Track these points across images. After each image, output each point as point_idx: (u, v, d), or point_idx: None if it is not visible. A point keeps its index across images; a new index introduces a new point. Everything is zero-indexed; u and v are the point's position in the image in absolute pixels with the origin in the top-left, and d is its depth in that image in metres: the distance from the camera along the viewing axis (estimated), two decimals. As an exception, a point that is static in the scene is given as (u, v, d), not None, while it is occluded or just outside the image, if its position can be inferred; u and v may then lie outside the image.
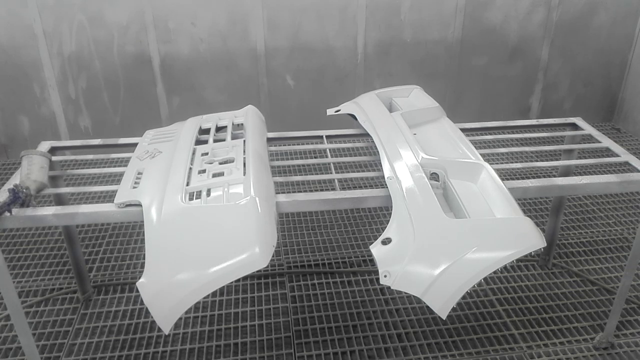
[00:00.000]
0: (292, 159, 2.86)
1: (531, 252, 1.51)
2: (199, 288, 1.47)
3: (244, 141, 2.03)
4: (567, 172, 2.49)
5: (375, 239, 1.61)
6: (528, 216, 1.60)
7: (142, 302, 2.26)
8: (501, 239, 1.55)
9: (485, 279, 1.49)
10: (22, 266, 2.83)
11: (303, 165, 3.65)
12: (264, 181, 1.79)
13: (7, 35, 3.60)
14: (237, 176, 1.79)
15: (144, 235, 1.62)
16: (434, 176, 1.87)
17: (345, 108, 2.43)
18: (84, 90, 3.86)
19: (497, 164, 1.97)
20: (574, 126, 2.42)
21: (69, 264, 2.66)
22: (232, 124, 2.21)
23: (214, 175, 1.82)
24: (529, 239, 1.53)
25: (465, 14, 3.99)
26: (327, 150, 2.26)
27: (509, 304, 2.53)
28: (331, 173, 2.04)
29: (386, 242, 1.60)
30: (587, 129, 2.35)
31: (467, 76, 4.23)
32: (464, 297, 1.50)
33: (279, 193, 1.82)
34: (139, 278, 1.50)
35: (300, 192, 2.62)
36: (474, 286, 1.47)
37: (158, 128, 2.31)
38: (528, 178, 2.02)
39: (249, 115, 2.26)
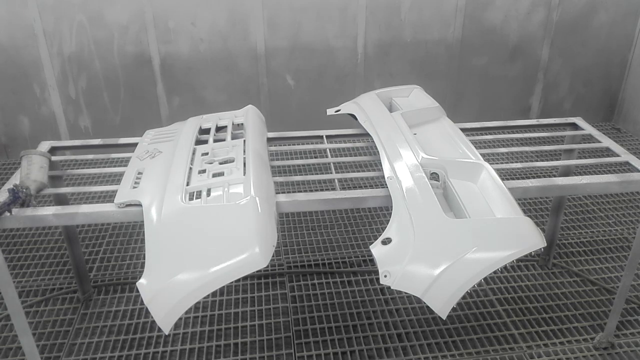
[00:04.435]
0: (292, 158, 2.86)
1: (531, 252, 1.51)
2: (199, 288, 1.47)
3: (244, 141, 2.03)
4: (567, 172, 2.49)
5: (375, 239, 1.61)
6: (528, 216, 1.60)
7: (142, 302, 2.26)
8: (501, 239, 1.55)
9: (485, 279, 1.49)
10: (22, 266, 2.83)
11: (303, 165, 3.65)
12: (264, 181, 1.79)
13: (7, 35, 3.60)
14: (237, 176, 1.79)
15: (144, 235, 1.62)
16: (434, 176, 1.87)
17: (346, 108, 2.43)
18: (84, 90, 3.86)
19: (497, 163, 1.97)
20: (574, 126, 2.42)
21: (69, 264, 2.67)
22: (232, 123, 2.21)
23: (214, 175, 1.83)
24: (529, 239, 1.53)
25: (465, 14, 3.99)
26: (327, 150, 2.26)
27: (509, 304, 2.53)
28: (331, 173, 2.04)
29: (386, 242, 1.60)
30: (587, 128, 2.35)
31: (467, 76, 4.23)
32: (464, 297, 1.49)
33: (279, 193, 1.82)
34: (139, 278, 1.50)
35: (300, 192, 2.62)
36: (474, 286, 1.47)
37: (158, 128, 2.31)
38: (528, 178, 2.02)
39: (249, 115, 2.26)
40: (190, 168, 1.87)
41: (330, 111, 2.46)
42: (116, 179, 2.83)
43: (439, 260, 1.50)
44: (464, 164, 1.87)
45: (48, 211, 1.75)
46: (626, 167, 2.10)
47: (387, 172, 1.86)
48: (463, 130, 2.19)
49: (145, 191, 1.77)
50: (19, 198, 1.73)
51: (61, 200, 2.26)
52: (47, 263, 2.85)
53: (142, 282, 1.49)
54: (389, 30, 3.97)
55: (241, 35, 3.83)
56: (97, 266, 2.83)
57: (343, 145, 2.32)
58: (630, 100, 4.40)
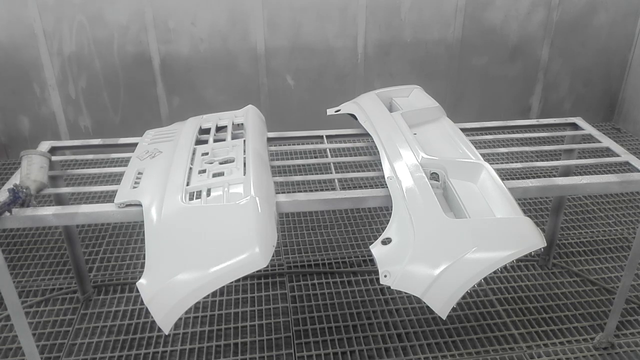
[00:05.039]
0: (292, 158, 2.86)
1: (531, 252, 1.51)
2: (199, 288, 1.47)
3: (244, 141, 2.03)
4: (567, 172, 2.49)
5: (375, 239, 1.61)
6: (528, 216, 1.60)
7: (142, 302, 2.26)
8: (501, 239, 1.55)
9: (485, 279, 1.49)
10: (22, 266, 2.83)
11: (303, 165, 3.65)
12: (264, 181, 1.79)
13: (7, 35, 3.60)
14: (237, 176, 1.79)
15: (144, 235, 1.62)
16: (434, 176, 1.87)
17: (346, 108, 2.43)
18: (84, 90, 3.86)
19: (497, 163, 1.97)
20: (574, 126, 2.42)
21: (69, 264, 2.67)
22: (232, 123, 2.21)
23: (214, 175, 1.83)
24: (529, 239, 1.53)
25: (465, 14, 3.99)
26: (327, 150, 2.26)
27: (509, 304, 2.53)
28: (331, 173, 2.04)
29: (386, 242, 1.60)
30: (587, 128, 2.35)
31: (467, 76, 4.23)
32: (464, 297, 1.49)
33: (279, 193, 1.82)
34: (139, 278, 1.50)
35: (301, 192, 2.62)
36: (474, 286, 1.47)
37: (158, 128, 2.31)
38: (528, 178, 2.02)
39: (249, 115, 2.26)
40: (190, 168, 1.87)
41: (330, 111, 2.45)
42: (116, 179, 2.83)
43: (438, 260, 1.50)
44: (464, 164, 1.87)
45: (48, 211, 1.75)
46: (626, 167, 2.10)
47: (387, 172, 1.86)
48: (463, 130, 2.19)
49: (145, 191, 1.77)
50: (19, 198, 1.73)
51: (61, 200, 2.26)
52: (47, 263, 2.85)
53: (142, 282, 1.49)
54: (389, 30, 3.97)
55: (241, 35, 3.83)
56: (97, 266, 2.83)
57: (343, 145, 2.32)
58: (630, 100, 4.40)
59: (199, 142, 2.10)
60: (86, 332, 2.40)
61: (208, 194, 1.73)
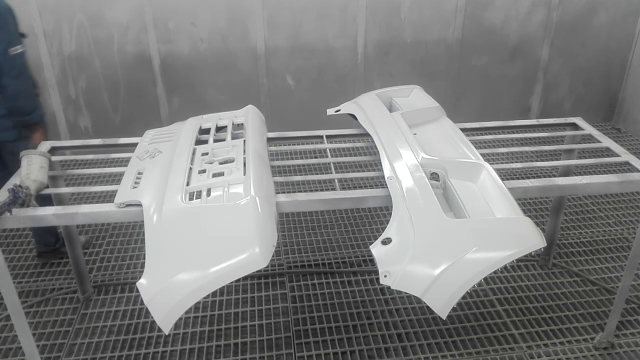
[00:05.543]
0: (292, 158, 2.86)
1: (531, 252, 1.51)
2: (199, 288, 1.47)
3: (244, 141, 2.03)
4: (567, 172, 2.49)
5: (375, 239, 1.61)
6: (528, 216, 1.60)
7: (142, 302, 2.26)
8: (501, 239, 1.55)
9: (485, 279, 1.49)
10: (22, 266, 2.83)
11: (303, 165, 3.65)
12: (264, 181, 1.79)
13: (7, 35, 3.60)
14: (237, 176, 1.79)
15: (144, 235, 1.62)
16: (434, 176, 1.87)
17: (346, 108, 2.43)
18: (84, 90, 3.85)
19: (497, 164, 1.97)
20: (574, 126, 2.42)
21: (69, 264, 2.66)
22: (232, 123, 2.21)
23: (214, 175, 1.82)
24: (529, 239, 1.53)
25: (465, 14, 3.99)
26: (327, 150, 2.26)
27: (509, 304, 2.53)
28: (331, 173, 2.04)
29: (386, 242, 1.60)
30: (587, 128, 2.35)
31: (467, 76, 4.23)
32: (464, 297, 1.49)
33: (279, 193, 1.82)
34: (139, 278, 1.50)
35: (301, 192, 2.62)
36: (474, 286, 1.47)
37: (158, 128, 2.31)
38: (528, 178, 2.02)
39: (249, 115, 2.26)
40: (190, 168, 1.87)
41: (330, 111, 2.45)
42: (116, 179, 2.83)
43: (439, 260, 1.50)
44: (464, 164, 1.87)
45: (48, 211, 1.75)
46: (626, 167, 2.10)
47: (387, 172, 1.85)
48: (463, 130, 2.19)
49: (145, 191, 1.77)
50: (19, 198, 1.73)
51: (61, 200, 2.26)
52: (47, 263, 2.85)
53: (142, 282, 1.49)
54: (389, 30, 3.97)
55: (241, 35, 3.83)
56: (97, 266, 2.83)
57: (343, 145, 2.32)
58: (630, 100, 4.40)
59: (199, 142, 2.10)
60: (86, 332, 2.40)
61: (208, 194, 1.73)
